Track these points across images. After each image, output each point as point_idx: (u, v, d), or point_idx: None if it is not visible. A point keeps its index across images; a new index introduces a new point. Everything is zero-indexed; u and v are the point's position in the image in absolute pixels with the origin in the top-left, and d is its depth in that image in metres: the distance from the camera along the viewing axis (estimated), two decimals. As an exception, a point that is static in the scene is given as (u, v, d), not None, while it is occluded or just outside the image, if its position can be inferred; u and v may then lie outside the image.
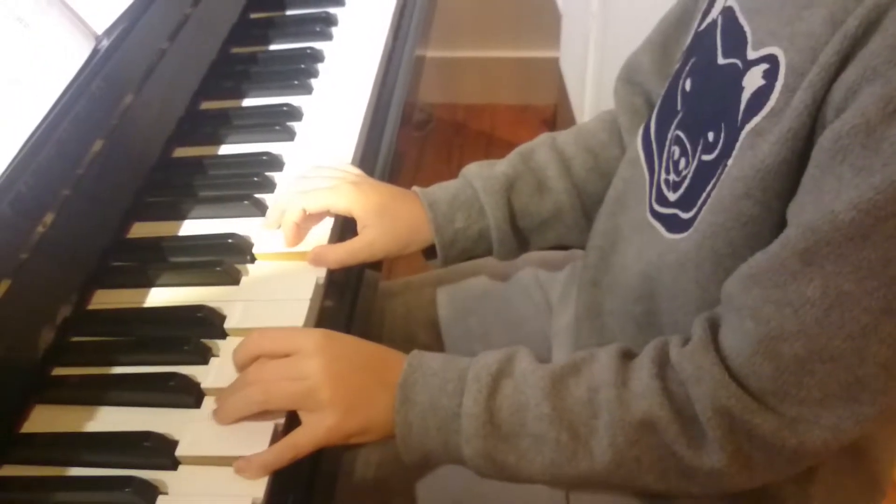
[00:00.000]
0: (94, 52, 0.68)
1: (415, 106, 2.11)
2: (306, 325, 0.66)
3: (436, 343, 0.84)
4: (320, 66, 0.94)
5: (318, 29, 0.99)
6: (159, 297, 0.70)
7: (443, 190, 0.75)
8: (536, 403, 0.55)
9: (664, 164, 0.64)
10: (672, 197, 0.61)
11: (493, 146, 2.16)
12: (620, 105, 0.78)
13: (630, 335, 0.65)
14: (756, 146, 0.52)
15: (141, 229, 0.76)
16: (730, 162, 0.54)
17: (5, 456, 0.59)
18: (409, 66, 0.98)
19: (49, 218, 0.64)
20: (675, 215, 0.60)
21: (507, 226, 0.74)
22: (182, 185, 0.79)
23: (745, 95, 0.54)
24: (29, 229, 0.62)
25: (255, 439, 0.58)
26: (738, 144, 0.54)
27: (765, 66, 0.53)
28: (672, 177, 0.62)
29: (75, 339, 0.66)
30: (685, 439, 0.53)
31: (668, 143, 0.64)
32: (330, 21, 1.01)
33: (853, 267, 0.47)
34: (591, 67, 1.81)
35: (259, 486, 0.56)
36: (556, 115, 2.09)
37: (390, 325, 0.84)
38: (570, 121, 1.94)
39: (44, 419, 0.61)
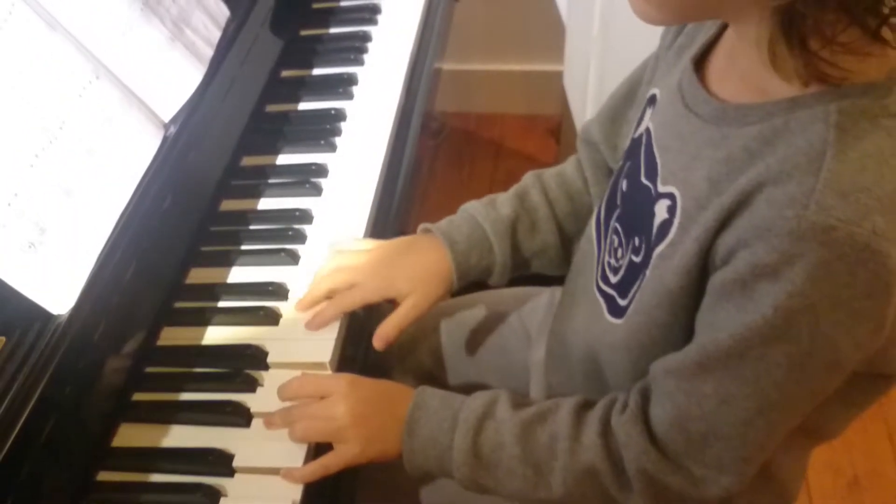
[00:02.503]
0: (165, 139, 0.85)
1: (431, 116, 2.26)
2: (332, 357, 0.83)
3: (437, 366, 1.00)
4: (343, 125, 1.09)
5: (340, 90, 1.14)
6: (214, 334, 0.87)
7: (457, 230, 0.87)
8: (510, 445, 0.72)
9: (607, 248, 0.79)
10: (613, 279, 0.76)
11: (502, 154, 2.32)
12: (585, 161, 0.91)
13: (583, 382, 0.81)
14: (662, 269, 0.67)
15: (197, 275, 0.93)
16: (647, 273, 0.69)
17: (102, 464, 0.76)
18: (418, 123, 1.14)
19: (132, 267, 0.80)
20: (614, 298, 0.75)
21: (510, 261, 0.88)
22: (229, 236, 0.96)
23: (656, 222, 0.69)
24: (120, 278, 0.79)
25: (293, 455, 0.75)
26: (651, 262, 0.69)
27: (668, 202, 0.67)
28: (612, 261, 0.77)
29: (149, 370, 0.84)
30: (618, 485, 0.70)
31: (609, 231, 0.79)
32: (351, 81, 1.16)
33: (734, 377, 0.63)
34: (591, 87, 1.94)
35: (297, 491, 0.73)
36: (561, 127, 2.23)
37: (399, 352, 1.01)
38: (572, 134, 2.08)
39: (128, 435, 0.79)
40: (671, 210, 0.67)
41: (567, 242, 0.91)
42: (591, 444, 0.70)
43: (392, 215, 1.01)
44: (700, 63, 0.70)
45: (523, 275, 0.95)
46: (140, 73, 0.85)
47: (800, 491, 0.85)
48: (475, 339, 1.01)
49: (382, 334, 0.84)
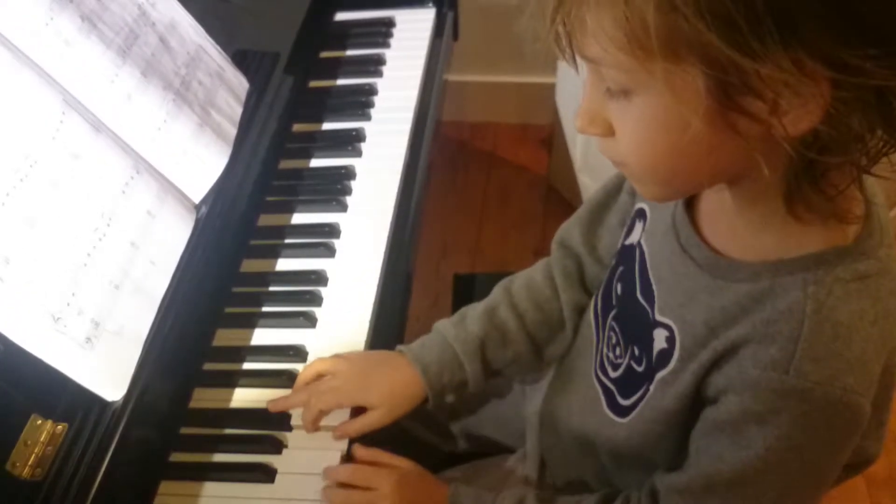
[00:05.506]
0: (197, 222, 0.94)
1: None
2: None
3: (440, 415, 1.09)
4: (353, 184, 1.17)
5: (349, 147, 1.22)
6: (241, 395, 0.96)
7: (429, 353, 0.94)
8: None
9: (605, 341, 0.86)
10: (612, 374, 0.84)
11: (495, 163, 2.40)
12: (555, 266, 0.96)
13: (575, 452, 0.90)
14: (664, 392, 0.75)
15: (223, 336, 1.02)
16: (651, 389, 0.77)
17: (145, 523, 0.87)
18: (423, 178, 1.23)
19: (171, 343, 0.88)
20: (614, 394, 0.83)
21: (481, 374, 0.96)
22: (251, 298, 1.04)
23: (656, 347, 0.76)
24: (162, 357, 0.87)
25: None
26: (654, 383, 0.77)
27: (666, 332, 0.75)
28: (611, 356, 0.84)
29: (184, 431, 0.93)
30: None
31: (607, 327, 0.86)
32: (359, 137, 1.23)
33: (736, 496, 0.73)
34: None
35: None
36: (553, 138, 2.31)
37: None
38: (563, 146, 2.17)
39: (169, 492, 0.89)
40: (670, 341, 0.75)
41: (539, 349, 0.98)
42: None
43: (400, 275, 1.10)
44: (691, 200, 0.76)
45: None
46: (174, 162, 0.93)
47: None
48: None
49: (343, 432, 0.91)
